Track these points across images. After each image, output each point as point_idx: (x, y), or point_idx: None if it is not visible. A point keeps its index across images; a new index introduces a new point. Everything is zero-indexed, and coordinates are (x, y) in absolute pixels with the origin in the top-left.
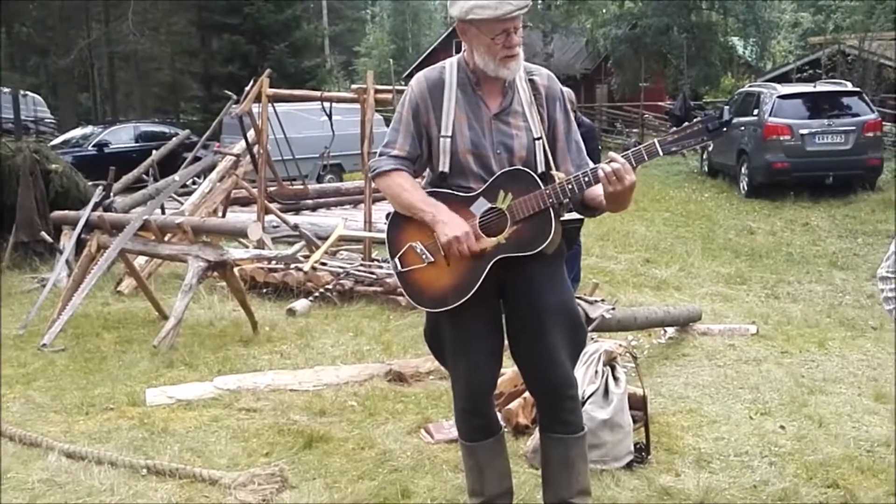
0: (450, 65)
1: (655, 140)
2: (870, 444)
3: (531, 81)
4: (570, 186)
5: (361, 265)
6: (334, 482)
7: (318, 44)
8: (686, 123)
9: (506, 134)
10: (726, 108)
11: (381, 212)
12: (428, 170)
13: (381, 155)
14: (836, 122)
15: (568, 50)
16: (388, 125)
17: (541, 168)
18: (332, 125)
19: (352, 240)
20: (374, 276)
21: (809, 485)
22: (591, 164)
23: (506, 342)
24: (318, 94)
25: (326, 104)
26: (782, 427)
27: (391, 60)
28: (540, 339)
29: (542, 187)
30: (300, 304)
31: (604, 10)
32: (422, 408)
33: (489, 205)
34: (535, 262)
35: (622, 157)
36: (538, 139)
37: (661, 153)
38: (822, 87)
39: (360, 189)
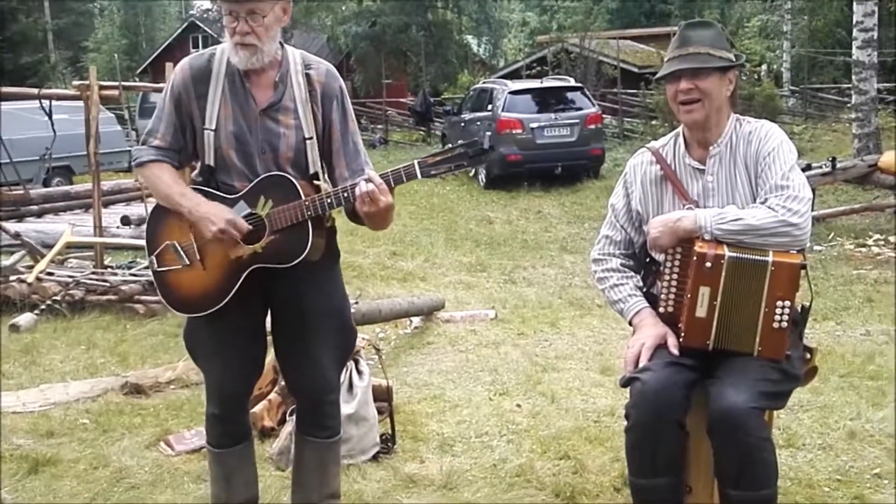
0: (220, 51)
1: (415, 161)
2: (597, 415)
3: (307, 76)
4: (328, 201)
5: (93, 273)
6: None
7: (39, 38)
8: (448, 146)
9: (272, 132)
10: (488, 134)
11: (114, 215)
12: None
13: (143, 144)
14: (561, 115)
15: (309, 46)
16: (120, 124)
17: (313, 169)
18: (52, 124)
19: (82, 246)
20: (107, 284)
21: (544, 458)
22: (367, 169)
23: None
24: (34, 91)
25: (46, 102)
26: (519, 405)
27: (115, 56)
28: (302, 342)
29: (302, 197)
30: (24, 318)
31: (343, 8)
32: (161, 419)
33: (248, 210)
34: (302, 267)
35: (381, 176)
36: (309, 139)
37: (419, 176)
38: (548, 82)
39: (90, 192)
